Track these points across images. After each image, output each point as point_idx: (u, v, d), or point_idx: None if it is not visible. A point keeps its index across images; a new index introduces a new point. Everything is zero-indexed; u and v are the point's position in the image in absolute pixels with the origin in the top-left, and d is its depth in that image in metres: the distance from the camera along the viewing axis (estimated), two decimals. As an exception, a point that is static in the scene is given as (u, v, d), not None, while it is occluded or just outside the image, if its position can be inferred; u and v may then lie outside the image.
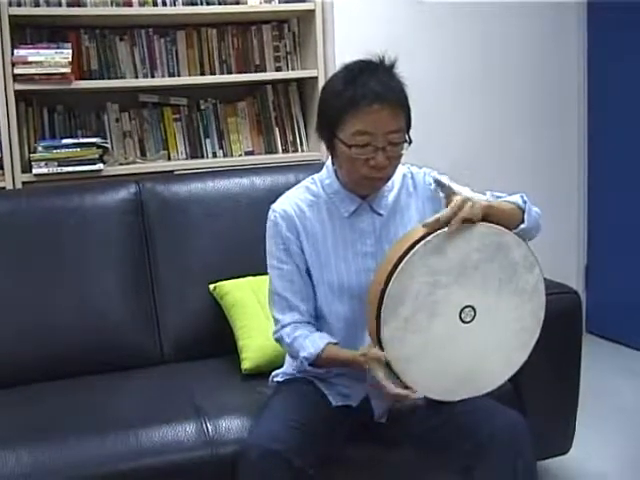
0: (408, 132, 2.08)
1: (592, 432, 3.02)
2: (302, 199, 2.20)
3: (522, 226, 1.99)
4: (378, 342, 1.92)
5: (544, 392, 2.52)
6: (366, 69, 2.06)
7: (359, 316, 2.08)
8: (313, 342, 2.09)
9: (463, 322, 1.93)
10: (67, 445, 2.09)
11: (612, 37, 4.08)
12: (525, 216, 2.00)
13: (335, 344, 2.10)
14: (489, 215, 1.91)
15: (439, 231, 1.88)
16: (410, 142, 2.07)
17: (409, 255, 1.87)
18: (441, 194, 1.98)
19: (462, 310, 1.93)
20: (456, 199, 1.88)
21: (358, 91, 2.00)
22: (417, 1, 3.86)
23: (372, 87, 2.00)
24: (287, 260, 2.16)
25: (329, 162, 2.21)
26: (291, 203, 2.19)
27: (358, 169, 2.05)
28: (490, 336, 1.97)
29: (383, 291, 1.88)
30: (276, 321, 2.18)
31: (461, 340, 1.94)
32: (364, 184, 2.11)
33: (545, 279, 2.06)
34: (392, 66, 2.09)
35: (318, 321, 2.19)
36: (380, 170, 2.05)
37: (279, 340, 2.19)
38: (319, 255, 2.16)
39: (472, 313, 1.93)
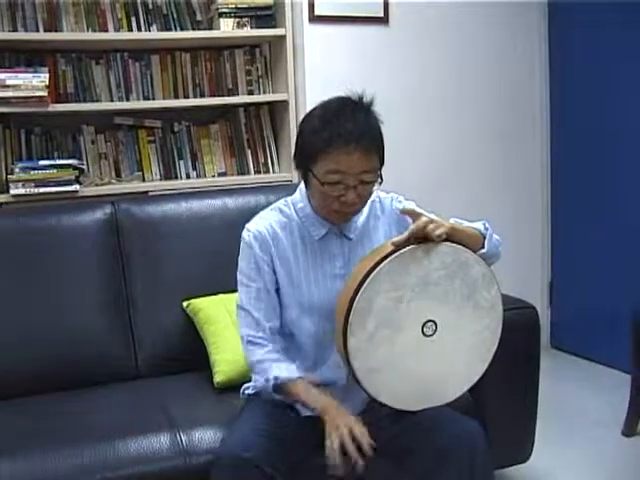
0: (380, 170, 2.15)
1: (555, 442, 3.12)
2: (275, 220, 2.27)
3: (482, 251, 2.09)
4: (345, 353, 2.01)
5: (503, 403, 2.60)
6: (344, 108, 2.12)
7: (327, 334, 2.17)
8: (288, 368, 2.15)
9: (425, 336, 2.03)
10: (45, 455, 2.13)
11: (573, 36, 4.17)
12: (486, 242, 2.11)
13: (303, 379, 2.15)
14: (452, 236, 2.01)
15: (404, 249, 1.97)
16: (381, 182, 2.15)
17: (375, 271, 1.96)
18: (409, 219, 2.08)
19: (424, 324, 2.02)
20: (422, 219, 1.99)
21: (334, 131, 2.06)
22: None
23: (348, 128, 2.06)
24: (256, 279, 2.23)
25: (302, 185, 2.28)
26: (265, 224, 2.26)
27: (329, 204, 2.14)
28: (451, 349, 2.06)
29: (350, 305, 1.97)
30: (242, 336, 2.25)
31: (423, 353, 2.03)
32: (334, 216, 2.20)
33: (505, 295, 2.15)
34: (370, 105, 2.16)
35: (287, 338, 2.26)
36: (350, 206, 2.14)
37: (245, 354, 2.25)
38: (290, 275, 2.24)
39: (434, 327, 2.03)
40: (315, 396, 2.12)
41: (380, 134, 2.15)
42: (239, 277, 2.28)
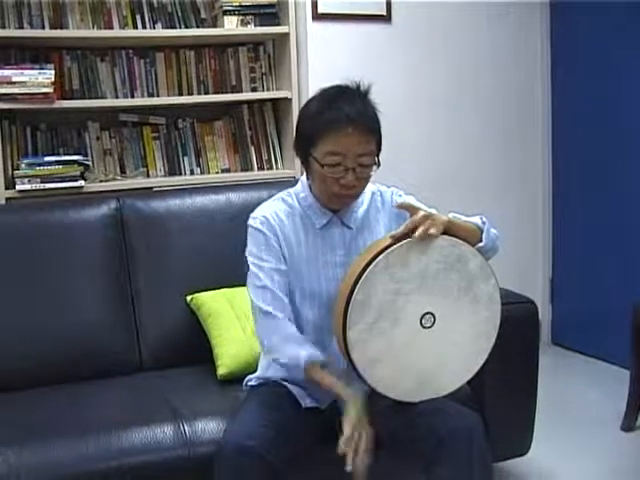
0: (378, 155, 2.19)
1: (554, 437, 3.14)
2: (280, 209, 2.30)
3: (480, 245, 2.12)
4: (344, 345, 2.04)
5: (502, 396, 2.62)
6: (342, 94, 2.18)
7: (327, 322, 2.19)
8: (315, 350, 2.15)
9: (423, 327, 2.05)
10: (52, 446, 2.16)
11: (576, 36, 4.18)
12: (483, 235, 2.14)
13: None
14: (449, 230, 2.05)
15: (402, 242, 2.00)
16: (379, 165, 2.19)
17: (373, 264, 1.99)
18: (407, 213, 2.11)
19: (422, 316, 2.04)
20: (419, 214, 2.02)
21: (333, 114, 2.12)
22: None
23: (346, 111, 2.12)
24: (268, 259, 2.23)
25: (304, 177, 2.32)
26: (270, 211, 2.29)
27: (329, 187, 2.17)
28: (449, 341, 2.09)
29: (349, 297, 2.00)
30: (261, 307, 2.19)
31: (422, 344, 2.06)
32: (334, 200, 2.23)
33: (504, 289, 2.18)
34: (367, 92, 2.21)
35: None
36: (349, 189, 2.18)
37: (263, 329, 2.22)
38: (293, 262, 2.26)
39: (432, 319, 2.05)
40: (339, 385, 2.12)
41: (377, 120, 2.20)
42: (250, 261, 2.25)
